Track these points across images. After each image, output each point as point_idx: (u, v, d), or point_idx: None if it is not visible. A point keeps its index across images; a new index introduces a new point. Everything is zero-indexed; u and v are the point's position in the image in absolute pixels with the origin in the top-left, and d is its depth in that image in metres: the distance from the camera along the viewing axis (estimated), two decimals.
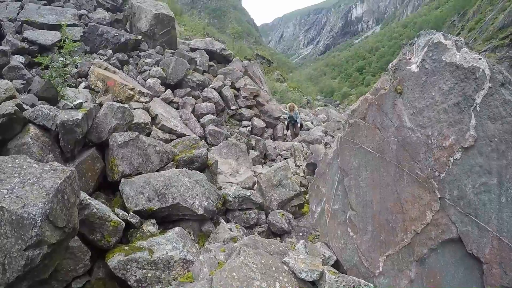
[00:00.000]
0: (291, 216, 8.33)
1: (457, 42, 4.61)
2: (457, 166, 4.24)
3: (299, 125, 17.25)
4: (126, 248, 5.64)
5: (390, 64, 5.52)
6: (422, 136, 4.69)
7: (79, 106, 6.97)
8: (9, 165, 4.62)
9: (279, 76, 60.84)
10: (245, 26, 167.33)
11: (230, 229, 6.90)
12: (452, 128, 4.32)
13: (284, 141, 16.33)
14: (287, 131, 17.47)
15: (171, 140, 11.27)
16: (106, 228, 5.59)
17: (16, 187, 4.26)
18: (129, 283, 5.30)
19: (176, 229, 6.19)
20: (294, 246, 7.45)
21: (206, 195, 7.02)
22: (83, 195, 5.50)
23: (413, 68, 4.97)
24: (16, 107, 6.14)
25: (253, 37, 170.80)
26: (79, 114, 6.56)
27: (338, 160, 6.33)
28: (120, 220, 5.83)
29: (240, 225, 7.57)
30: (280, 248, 5.90)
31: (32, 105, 7.34)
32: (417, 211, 4.70)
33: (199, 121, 13.55)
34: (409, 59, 5.25)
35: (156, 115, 11.48)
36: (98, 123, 7.20)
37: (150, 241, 5.75)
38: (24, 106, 6.71)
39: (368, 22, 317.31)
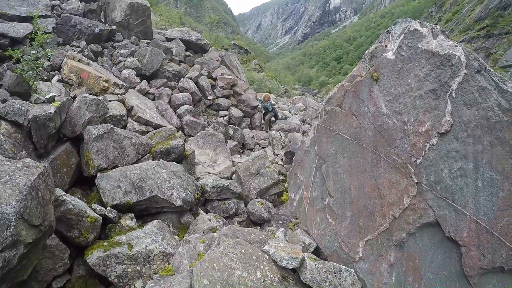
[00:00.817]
0: (270, 204, 8.33)
1: (433, 29, 4.62)
2: (434, 152, 4.28)
3: (273, 115, 17.11)
4: (105, 243, 5.53)
5: (367, 52, 5.53)
6: (398, 122, 4.72)
7: (51, 100, 6.78)
8: None
9: (256, 65, 60.88)
10: (222, 15, 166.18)
11: (209, 220, 6.86)
12: (428, 114, 4.35)
13: (261, 130, 16.23)
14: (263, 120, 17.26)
15: (148, 132, 11.11)
16: (84, 225, 5.48)
17: None
18: (110, 279, 5.22)
19: (155, 222, 6.11)
20: (274, 234, 7.51)
21: (184, 186, 6.94)
22: (59, 191, 5.36)
23: (389, 55, 4.98)
24: None
25: (230, 27, 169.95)
26: (51, 108, 6.39)
27: (315, 147, 6.34)
28: (97, 215, 5.72)
29: (220, 215, 7.54)
30: (260, 237, 5.91)
31: (4, 101, 7.10)
32: (394, 196, 4.73)
33: (175, 112, 13.38)
34: (386, 46, 5.26)
35: (132, 106, 11.29)
36: (72, 117, 7.03)
37: (129, 235, 5.66)
38: None
39: (346, 12, 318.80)
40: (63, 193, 5.45)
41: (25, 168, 4.50)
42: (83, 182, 7.19)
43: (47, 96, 6.81)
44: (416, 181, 4.45)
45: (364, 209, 5.19)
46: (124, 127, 10.55)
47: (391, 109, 4.84)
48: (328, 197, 5.89)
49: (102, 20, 17.79)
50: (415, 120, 4.50)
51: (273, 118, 17.15)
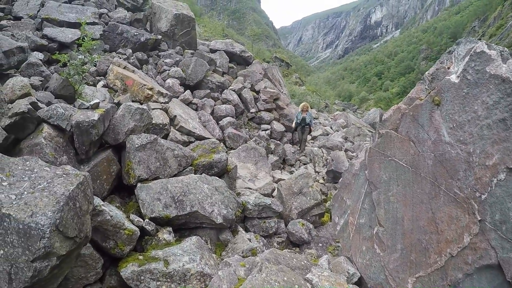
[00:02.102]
0: (311, 226, 8.11)
1: (502, 52, 4.31)
2: (501, 188, 3.96)
3: (312, 128, 15.65)
4: (141, 257, 5.39)
5: (427, 73, 5.20)
6: (462, 153, 4.38)
7: (95, 106, 6.74)
8: (19, 167, 4.38)
9: (297, 79, 60.63)
10: (264, 28, 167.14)
11: (249, 240, 6.64)
12: (497, 146, 4.02)
13: (296, 147, 15.40)
14: (295, 135, 15.83)
15: (190, 142, 11.09)
16: (120, 236, 5.36)
17: (25, 192, 4.01)
18: None
19: (194, 238, 5.92)
20: (314, 257, 7.34)
21: (225, 203, 6.75)
22: (97, 200, 5.26)
23: (453, 78, 4.64)
24: (30, 106, 5.94)
25: (271, 40, 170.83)
26: (95, 115, 6.33)
27: (366, 172, 6.02)
28: (135, 228, 5.59)
29: (259, 235, 7.34)
30: (302, 263, 5.74)
31: (48, 103, 7.15)
32: (453, 232, 4.43)
33: (218, 123, 13.30)
34: (448, 68, 4.93)
35: (175, 116, 11.27)
36: (115, 124, 6.97)
37: (166, 251, 5.50)
38: (40, 104, 6.51)
39: (387, 26, 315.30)
40: (102, 202, 5.34)
41: (64, 175, 4.40)
42: (122, 190, 7.11)
43: (92, 103, 6.78)
44: (480, 218, 4.13)
45: (417, 243, 4.88)
46: (166, 136, 10.56)
47: (454, 138, 4.50)
48: (378, 226, 5.57)
49: (148, 29, 18.09)
50: (482, 152, 4.16)
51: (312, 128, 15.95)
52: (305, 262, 5.81)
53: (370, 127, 26.77)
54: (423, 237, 4.79)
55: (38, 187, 4.12)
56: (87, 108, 6.69)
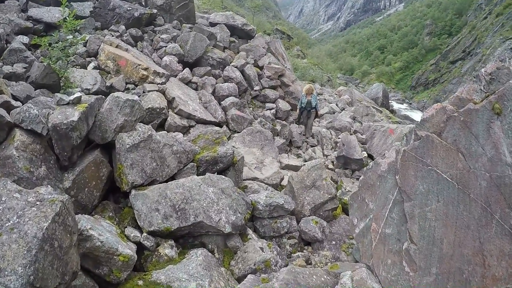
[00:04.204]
0: (325, 223, 7.42)
1: None
2: None
3: (318, 112, 14.27)
4: (140, 282, 4.57)
5: (483, 71, 4.23)
6: None
7: (77, 101, 5.60)
8: None
9: (299, 51, 59.62)
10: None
11: (262, 249, 5.77)
12: None
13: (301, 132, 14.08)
14: (298, 123, 14.43)
15: (190, 126, 10.31)
16: (114, 263, 4.50)
17: None
18: None
19: (200, 256, 5.06)
20: (329, 260, 6.69)
21: (233, 207, 5.85)
22: (83, 223, 4.38)
23: None
24: None
25: (272, 12, 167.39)
26: (75, 114, 5.28)
27: (397, 177, 5.13)
28: (131, 253, 4.67)
29: (270, 235, 6.71)
30: (322, 279, 5.11)
31: (27, 97, 6.18)
32: (503, 270, 3.86)
33: (220, 104, 12.37)
34: None
35: (173, 98, 10.34)
36: (102, 120, 5.90)
37: (168, 273, 4.69)
38: (14, 103, 5.56)
39: None
40: (89, 226, 4.41)
41: (38, 203, 3.49)
42: (117, 190, 6.20)
43: (72, 97, 5.63)
44: None
45: (457, 272, 4.23)
46: (164, 120, 9.76)
47: None
48: (409, 242, 4.82)
49: (143, 3, 16.89)
50: None
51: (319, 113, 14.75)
52: (325, 277, 5.13)
53: (374, 103, 25.82)
54: (465, 267, 4.17)
55: (7, 225, 3.27)
56: (67, 103, 5.57)
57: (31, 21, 11.41)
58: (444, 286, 4.32)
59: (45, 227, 3.30)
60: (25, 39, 10.22)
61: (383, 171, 5.57)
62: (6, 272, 2.92)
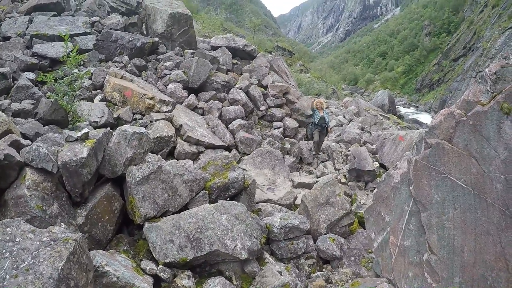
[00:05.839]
0: (342, 240, 7.28)
1: None
2: None
3: (330, 130, 14.06)
4: None
5: (487, 70, 4.17)
6: None
7: (85, 137, 5.62)
8: None
9: (301, 66, 59.86)
10: (262, 18, 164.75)
11: (280, 273, 5.67)
12: None
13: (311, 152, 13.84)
14: (309, 139, 14.13)
15: (199, 152, 10.26)
16: None
17: (7, 277, 3.11)
18: None
19: (218, 285, 4.99)
20: (348, 276, 6.59)
21: (248, 233, 5.76)
22: (98, 260, 4.33)
23: None
24: (7, 151, 4.93)
25: (271, 29, 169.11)
26: (83, 151, 5.29)
27: (411, 187, 5.05)
28: (148, 287, 4.56)
29: (290, 264, 6.48)
30: None
31: (36, 135, 6.19)
32: None
33: (227, 127, 12.37)
34: None
35: (181, 125, 10.36)
36: (111, 155, 5.92)
37: None
38: (23, 141, 5.58)
39: (386, 4, 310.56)
40: (104, 261, 4.37)
41: (52, 243, 3.46)
42: (130, 223, 6.14)
43: (80, 134, 5.64)
44: None
45: (481, 279, 4.13)
46: (173, 148, 9.74)
47: None
48: (429, 252, 4.73)
49: (144, 32, 17.11)
50: None
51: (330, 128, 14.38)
52: None
53: (381, 111, 25.77)
54: (489, 274, 4.07)
55: (22, 266, 3.23)
56: (75, 140, 5.61)
57: (36, 57, 11.63)
58: None
59: (60, 267, 3.28)
60: (32, 75, 10.40)
61: (396, 182, 5.50)
62: None
